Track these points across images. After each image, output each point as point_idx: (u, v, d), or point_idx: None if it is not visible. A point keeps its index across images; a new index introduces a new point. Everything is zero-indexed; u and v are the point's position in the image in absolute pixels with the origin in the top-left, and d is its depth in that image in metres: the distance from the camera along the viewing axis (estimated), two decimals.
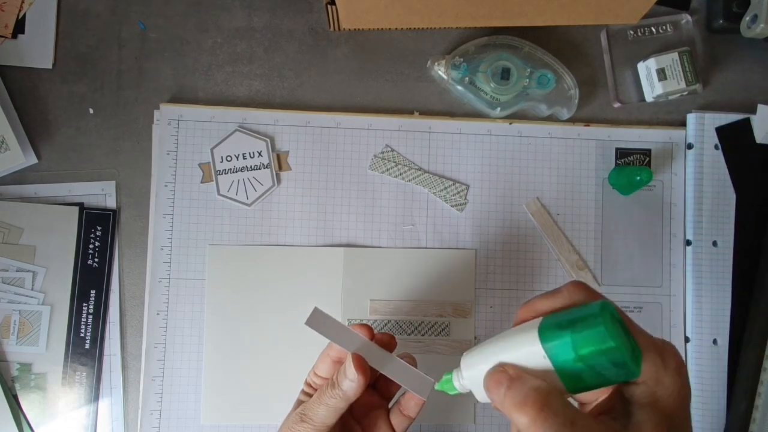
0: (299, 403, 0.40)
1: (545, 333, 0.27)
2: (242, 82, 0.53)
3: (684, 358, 0.52)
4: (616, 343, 0.25)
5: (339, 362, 0.38)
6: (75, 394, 0.50)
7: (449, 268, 0.53)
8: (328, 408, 0.36)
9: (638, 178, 0.51)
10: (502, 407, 0.27)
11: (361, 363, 0.36)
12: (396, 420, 0.39)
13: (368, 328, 0.38)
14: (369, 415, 0.40)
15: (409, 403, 0.38)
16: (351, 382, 0.35)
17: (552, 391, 0.26)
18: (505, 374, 0.28)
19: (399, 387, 0.39)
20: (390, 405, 0.41)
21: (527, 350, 0.28)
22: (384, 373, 0.36)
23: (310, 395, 0.40)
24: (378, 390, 0.41)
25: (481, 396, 0.30)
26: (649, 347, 0.27)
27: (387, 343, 0.39)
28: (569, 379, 0.27)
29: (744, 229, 0.53)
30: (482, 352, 0.30)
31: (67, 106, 0.52)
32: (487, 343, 0.30)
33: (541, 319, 0.28)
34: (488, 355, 0.30)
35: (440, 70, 0.52)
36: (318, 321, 0.37)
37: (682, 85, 0.53)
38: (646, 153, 0.54)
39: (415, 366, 0.37)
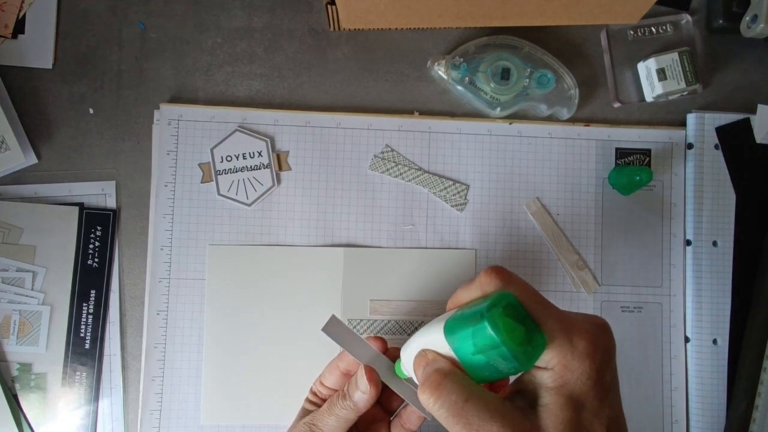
0: (305, 411, 0.40)
1: (449, 327, 0.29)
2: (242, 82, 0.53)
3: (684, 358, 0.53)
4: (501, 338, 0.26)
5: (347, 374, 0.39)
6: (75, 394, 0.50)
7: (449, 268, 0.53)
8: (338, 419, 0.37)
9: (638, 178, 0.51)
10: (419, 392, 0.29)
11: (373, 375, 0.36)
12: None
13: (382, 341, 0.38)
14: (371, 428, 0.40)
15: (410, 417, 0.39)
16: (363, 394, 0.36)
17: (452, 371, 0.28)
18: (425, 358, 0.30)
19: (401, 400, 0.39)
20: (391, 418, 0.41)
21: (440, 341, 0.29)
22: (392, 388, 0.37)
23: (314, 403, 0.40)
24: (380, 402, 0.41)
25: (411, 361, 0.33)
26: (556, 333, 0.27)
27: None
28: (471, 371, 0.29)
29: (744, 229, 0.53)
30: (412, 341, 0.33)
31: (67, 106, 0.52)
32: (417, 333, 0.33)
33: (453, 312, 0.30)
34: (414, 343, 0.33)
35: (440, 70, 0.52)
36: (334, 328, 0.38)
37: (682, 85, 0.53)
38: (646, 153, 0.54)
39: None
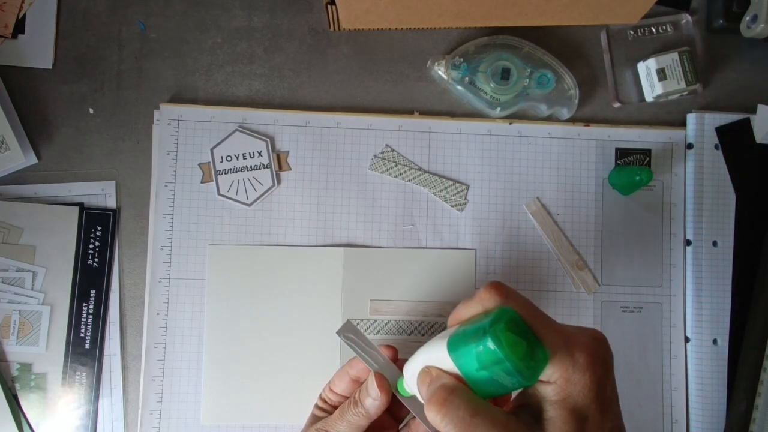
0: (315, 418, 0.40)
1: (452, 344, 0.29)
2: (242, 82, 0.53)
3: (684, 358, 0.53)
4: (504, 354, 0.26)
5: (357, 381, 0.39)
6: (75, 394, 0.50)
7: (449, 268, 0.53)
8: (350, 425, 0.37)
9: (638, 178, 0.51)
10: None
11: (383, 382, 0.36)
12: None
13: (394, 350, 0.39)
14: None
15: (419, 428, 0.39)
16: (374, 401, 0.36)
17: (458, 387, 0.28)
18: (429, 375, 0.30)
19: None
20: (400, 426, 0.41)
21: (443, 357, 0.30)
22: (400, 399, 0.37)
23: (324, 410, 0.40)
24: (390, 411, 0.41)
25: (420, 396, 0.32)
26: (557, 347, 0.27)
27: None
28: (475, 386, 0.29)
29: (744, 229, 0.53)
30: (414, 359, 0.33)
31: (67, 106, 0.52)
32: (420, 350, 0.33)
33: (455, 328, 0.30)
34: (417, 360, 0.33)
35: (440, 70, 0.52)
36: (348, 333, 0.38)
37: (682, 85, 0.53)
38: (646, 153, 0.54)
39: None
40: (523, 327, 0.27)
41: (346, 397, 0.39)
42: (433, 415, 0.28)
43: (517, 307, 0.28)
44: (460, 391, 0.28)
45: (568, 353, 0.27)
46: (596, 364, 0.27)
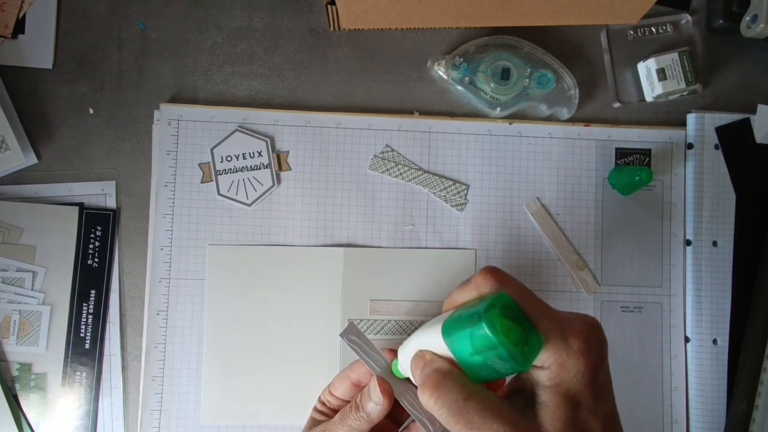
0: (314, 421, 0.40)
1: (447, 328, 0.29)
2: (242, 82, 0.53)
3: (684, 358, 0.53)
4: (498, 339, 0.26)
5: (357, 385, 0.39)
6: (75, 394, 0.50)
7: (449, 268, 0.53)
8: (351, 429, 0.37)
9: (638, 178, 0.51)
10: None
11: (385, 386, 0.36)
12: None
13: (396, 353, 0.39)
14: None
15: (419, 431, 0.39)
16: (376, 405, 0.36)
17: (451, 371, 0.29)
18: (422, 358, 0.31)
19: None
20: (400, 430, 0.41)
21: (437, 342, 0.30)
22: (399, 402, 0.37)
23: (323, 413, 0.40)
24: (390, 414, 0.41)
25: (414, 379, 0.33)
26: (551, 333, 0.27)
27: None
28: (469, 371, 0.29)
29: (744, 229, 0.53)
30: (408, 342, 0.33)
31: (67, 106, 0.52)
32: (414, 334, 0.33)
33: (449, 313, 0.30)
34: (411, 344, 0.33)
35: (440, 70, 0.52)
36: (351, 335, 0.38)
37: (682, 85, 0.53)
38: (646, 153, 0.54)
39: None
40: (518, 312, 0.27)
41: (347, 401, 0.39)
42: (426, 398, 0.29)
43: (512, 292, 0.28)
44: (453, 375, 0.29)
45: (563, 339, 0.27)
46: (590, 350, 0.27)
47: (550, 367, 0.27)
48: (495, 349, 0.26)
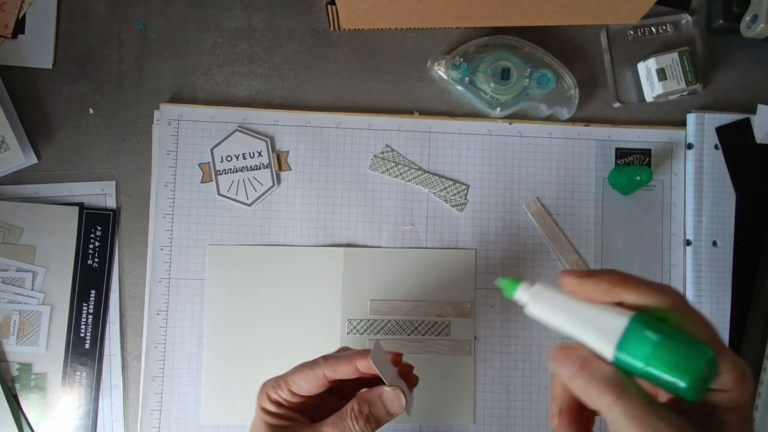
0: (271, 428, 0.37)
1: (626, 344, 0.26)
2: (242, 82, 0.53)
3: None
4: (687, 384, 0.25)
5: (330, 384, 0.37)
6: (75, 394, 0.50)
7: (449, 268, 0.53)
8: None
9: (638, 178, 0.51)
10: (572, 381, 0.27)
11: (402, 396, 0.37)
12: None
13: (398, 356, 0.40)
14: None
15: (373, 393, 0.37)
16: (389, 416, 0.36)
17: (627, 380, 0.26)
18: (576, 351, 0.28)
19: (354, 390, 0.39)
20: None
21: (600, 341, 0.27)
22: (378, 371, 0.37)
23: (279, 415, 0.37)
24: (335, 389, 0.39)
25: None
26: (727, 357, 0.27)
27: (406, 373, 0.40)
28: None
29: (744, 229, 0.53)
30: (556, 310, 0.29)
31: (67, 106, 0.52)
32: (565, 302, 0.29)
33: (628, 318, 0.27)
34: (562, 318, 0.29)
35: (440, 70, 0.52)
36: (378, 357, 0.36)
37: (682, 85, 0.53)
38: (646, 153, 0.54)
39: (416, 384, 0.40)
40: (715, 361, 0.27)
41: (309, 398, 0.37)
42: (607, 398, 0.26)
43: (702, 326, 0.27)
44: (630, 381, 0.26)
45: (736, 362, 0.27)
46: (750, 371, 0.28)
47: (732, 390, 0.27)
48: (671, 387, 0.25)
